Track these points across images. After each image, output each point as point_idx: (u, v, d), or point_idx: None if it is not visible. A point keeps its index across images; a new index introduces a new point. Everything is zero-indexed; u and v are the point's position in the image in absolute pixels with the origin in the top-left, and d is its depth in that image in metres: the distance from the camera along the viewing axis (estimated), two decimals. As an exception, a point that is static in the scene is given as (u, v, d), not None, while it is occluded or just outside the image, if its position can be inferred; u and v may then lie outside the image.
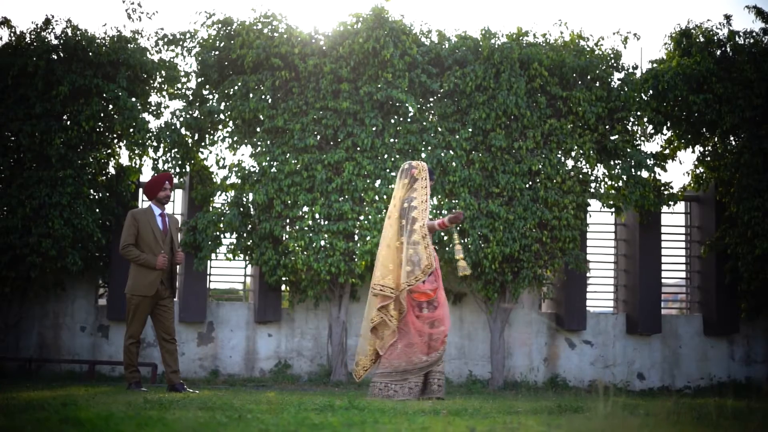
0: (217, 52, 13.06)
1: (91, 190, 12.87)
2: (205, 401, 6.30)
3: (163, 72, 13.11)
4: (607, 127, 13.19)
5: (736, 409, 4.47)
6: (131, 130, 12.63)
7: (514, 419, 5.05)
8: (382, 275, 8.28)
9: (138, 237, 9.19)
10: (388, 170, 12.68)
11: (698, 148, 13.91)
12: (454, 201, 12.63)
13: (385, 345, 8.27)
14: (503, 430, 4.25)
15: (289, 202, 12.57)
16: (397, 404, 6.85)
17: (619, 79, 13.27)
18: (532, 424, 4.45)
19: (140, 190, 13.60)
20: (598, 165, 13.18)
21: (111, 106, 12.76)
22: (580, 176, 13.03)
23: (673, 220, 14.68)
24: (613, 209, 13.28)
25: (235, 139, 12.94)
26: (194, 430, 3.67)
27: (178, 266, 9.54)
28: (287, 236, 12.58)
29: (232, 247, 12.94)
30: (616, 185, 13.22)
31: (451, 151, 12.79)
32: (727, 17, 13.55)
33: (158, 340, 9.31)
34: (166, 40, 13.13)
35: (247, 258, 13.15)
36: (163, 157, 12.88)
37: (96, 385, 10.56)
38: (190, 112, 12.98)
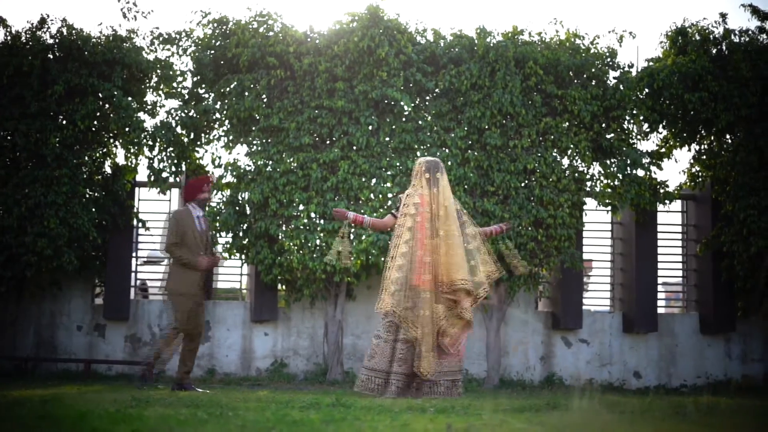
0: (212, 51, 13.07)
1: (87, 190, 12.86)
2: (192, 399, 6.31)
3: (158, 71, 13.11)
4: (603, 125, 13.16)
5: (713, 406, 4.48)
6: (127, 129, 12.63)
7: (498, 416, 5.05)
8: (471, 273, 8.17)
9: (182, 237, 9.35)
10: (383, 169, 12.68)
11: (694, 147, 13.90)
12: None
13: (456, 340, 8.22)
14: (483, 427, 4.26)
15: (285, 201, 12.56)
16: (385, 402, 6.84)
17: (614, 78, 13.25)
18: (511, 421, 4.45)
19: (136, 189, 13.62)
20: (594, 163, 13.17)
21: (107, 105, 12.77)
22: (576, 175, 13.00)
23: (670, 218, 14.66)
24: (609, 208, 13.27)
25: (231, 138, 12.94)
26: (170, 427, 3.67)
27: (214, 268, 9.77)
28: (283, 235, 12.58)
29: (228, 246, 12.95)
30: (611, 184, 13.20)
31: (446, 150, 12.77)
32: (723, 15, 13.53)
33: (185, 339, 9.55)
34: (161, 39, 13.15)
35: (243, 257, 13.15)
36: (159, 156, 12.89)
37: (90, 384, 10.59)
38: (186, 111, 12.98)
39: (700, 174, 13.99)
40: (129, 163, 13.24)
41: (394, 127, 12.77)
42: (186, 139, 13.04)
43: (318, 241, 12.51)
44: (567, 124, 13.02)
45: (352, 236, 12.45)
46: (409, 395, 8.11)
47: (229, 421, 4.14)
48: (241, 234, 12.90)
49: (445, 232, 8.20)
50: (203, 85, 13.20)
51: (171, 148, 12.90)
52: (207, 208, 9.77)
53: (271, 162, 12.65)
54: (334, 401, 6.44)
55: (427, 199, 8.33)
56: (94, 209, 12.80)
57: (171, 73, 13.12)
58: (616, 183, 13.14)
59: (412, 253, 8.20)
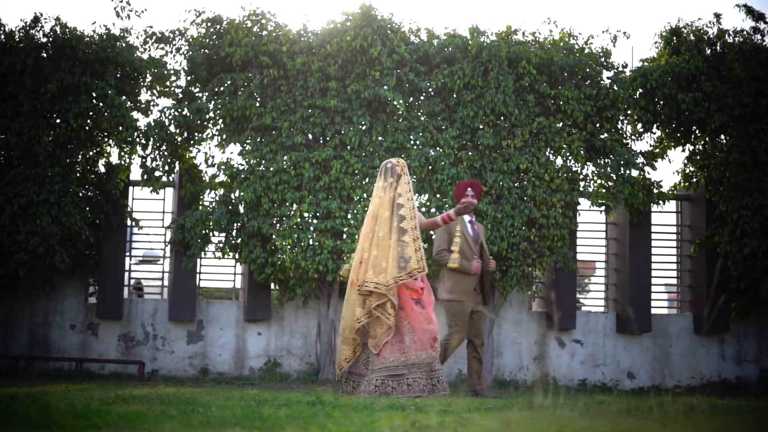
0: (206, 50, 13.07)
1: (80, 188, 12.87)
2: (170, 396, 6.30)
3: (152, 70, 13.12)
4: (596, 125, 13.16)
5: (682, 405, 4.46)
6: (120, 128, 12.64)
7: (468, 414, 5.04)
8: (375, 273, 8.24)
9: (451, 243, 9.31)
10: (375, 168, 12.67)
11: (688, 147, 13.87)
12: (443, 200, 12.60)
13: (380, 343, 8.27)
14: (450, 423, 4.26)
15: (277, 200, 12.57)
16: (366, 400, 6.84)
17: (608, 78, 13.24)
18: (474, 418, 4.45)
19: (130, 188, 13.63)
20: (588, 163, 13.15)
21: (100, 104, 12.78)
22: (569, 175, 12.99)
23: (664, 218, 14.66)
24: (602, 208, 13.26)
25: (224, 137, 12.93)
26: (130, 421, 3.67)
27: (491, 274, 9.76)
28: (275, 234, 12.57)
29: (221, 245, 12.95)
30: (605, 184, 13.18)
31: (439, 149, 12.77)
32: (717, 16, 13.53)
33: (468, 348, 9.54)
34: (155, 38, 13.16)
35: (236, 256, 13.15)
36: (152, 155, 12.89)
37: (80, 383, 10.59)
38: (179, 110, 12.98)
39: (693, 174, 13.96)
40: (122, 162, 13.24)
41: (386, 126, 12.77)
42: (179, 138, 13.05)
43: (310, 241, 12.51)
44: (560, 124, 13.01)
45: (344, 235, 12.49)
46: (355, 393, 8.27)
47: (193, 417, 4.14)
48: (233, 233, 12.91)
49: (373, 233, 8.39)
50: (196, 84, 13.21)
51: (164, 147, 12.90)
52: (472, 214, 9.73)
53: (263, 161, 12.65)
54: (315, 399, 6.42)
55: (378, 202, 8.55)
56: (87, 208, 12.80)
57: (164, 72, 13.13)
58: (609, 183, 13.12)
59: None
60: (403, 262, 8.22)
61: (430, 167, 12.59)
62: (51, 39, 12.70)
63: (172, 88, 13.26)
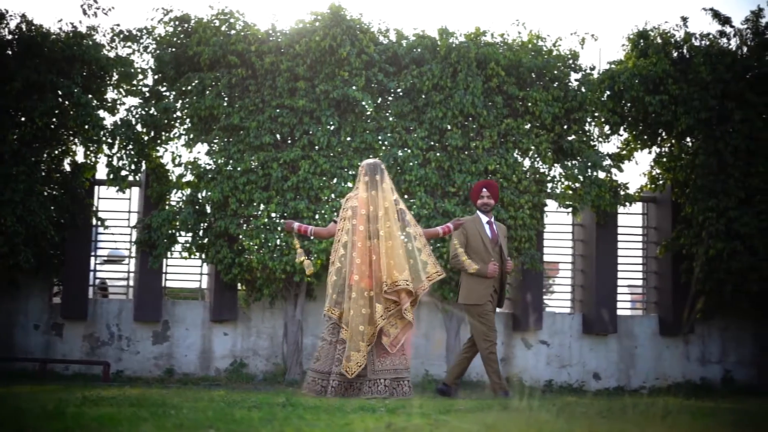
0: (173, 49, 12.99)
1: (45, 187, 12.73)
2: (139, 398, 6.25)
3: (119, 68, 13.00)
4: (564, 127, 13.21)
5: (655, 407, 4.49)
6: (86, 126, 12.53)
7: (443, 417, 5.03)
8: (409, 273, 8.20)
9: (467, 245, 9.19)
10: (344, 169, 12.65)
11: (654, 149, 13.99)
12: (411, 201, 12.60)
13: (396, 342, 8.26)
14: (425, 426, 4.24)
15: (245, 200, 12.51)
16: (336, 401, 6.82)
17: (576, 80, 13.30)
18: (453, 421, 4.44)
19: (96, 187, 13.51)
20: (555, 165, 13.20)
21: (66, 102, 12.66)
22: (537, 176, 13.04)
23: (630, 220, 14.74)
24: (569, 209, 13.31)
25: (191, 136, 12.86)
26: (103, 423, 3.62)
27: (508, 276, 9.63)
28: (242, 235, 12.52)
29: (188, 245, 12.87)
30: (572, 185, 13.24)
31: (407, 150, 12.76)
32: (684, 19, 13.63)
33: (466, 345, 9.46)
34: (122, 36, 13.06)
35: (202, 256, 13.07)
36: (119, 154, 12.79)
37: (44, 384, 10.48)
38: (146, 109, 12.89)
39: (660, 176, 14.07)
40: (88, 161, 13.12)
41: (355, 126, 12.75)
42: (146, 137, 12.95)
43: (278, 241, 12.46)
44: (528, 125, 13.05)
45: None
46: (351, 395, 8.19)
47: (167, 419, 4.10)
48: (200, 233, 12.83)
49: (386, 232, 8.28)
50: (164, 83, 13.12)
51: (131, 146, 12.80)
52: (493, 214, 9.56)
53: (231, 161, 12.59)
54: (285, 401, 6.40)
55: (365, 201, 8.42)
56: (52, 207, 12.67)
57: (131, 70, 13.03)
58: (576, 185, 13.18)
59: (348, 255, 8.38)
60: (422, 266, 8.24)
61: (398, 168, 12.59)
62: (17, 36, 12.57)
63: (139, 87, 13.16)
